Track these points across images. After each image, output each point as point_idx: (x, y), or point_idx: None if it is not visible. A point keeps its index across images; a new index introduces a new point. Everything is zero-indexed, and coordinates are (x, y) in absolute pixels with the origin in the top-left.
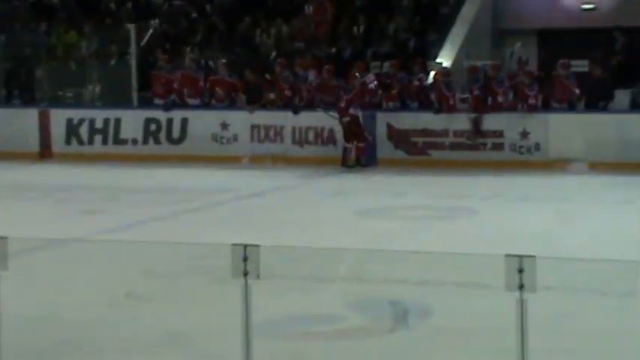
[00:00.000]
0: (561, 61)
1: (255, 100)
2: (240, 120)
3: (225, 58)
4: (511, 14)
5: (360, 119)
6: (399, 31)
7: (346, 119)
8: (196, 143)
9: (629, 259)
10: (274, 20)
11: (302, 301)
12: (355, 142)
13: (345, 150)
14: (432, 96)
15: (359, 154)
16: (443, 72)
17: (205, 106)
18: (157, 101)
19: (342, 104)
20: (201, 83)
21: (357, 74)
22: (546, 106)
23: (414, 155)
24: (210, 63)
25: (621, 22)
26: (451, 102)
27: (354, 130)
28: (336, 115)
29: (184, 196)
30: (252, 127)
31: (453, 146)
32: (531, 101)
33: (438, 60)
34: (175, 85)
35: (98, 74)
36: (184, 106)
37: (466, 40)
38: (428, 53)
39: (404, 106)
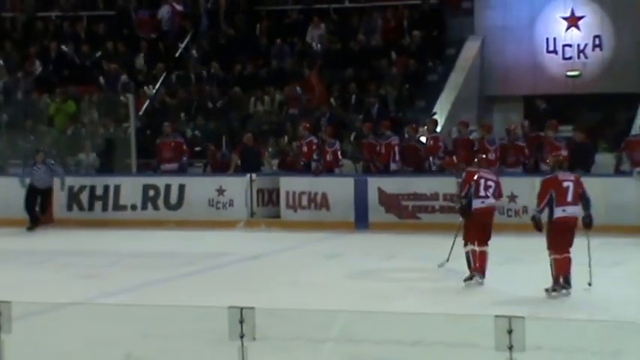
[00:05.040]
0: (549, 122)
1: (254, 165)
2: (235, 185)
3: (220, 125)
4: (498, 81)
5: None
6: (389, 99)
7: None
8: (193, 208)
9: (616, 319)
10: (267, 89)
11: None
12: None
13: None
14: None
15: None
16: (434, 121)
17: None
18: (166, 166)
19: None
20: None
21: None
22: (534, 170)
23: (405, 219)
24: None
25: (606, 89)
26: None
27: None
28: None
29: (182, 260)
30: (247, 192)
31: (443, 209)
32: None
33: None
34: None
35: (98, 142)
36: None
37: (454, 106)
38: (417, 120)
39: (388, 170)
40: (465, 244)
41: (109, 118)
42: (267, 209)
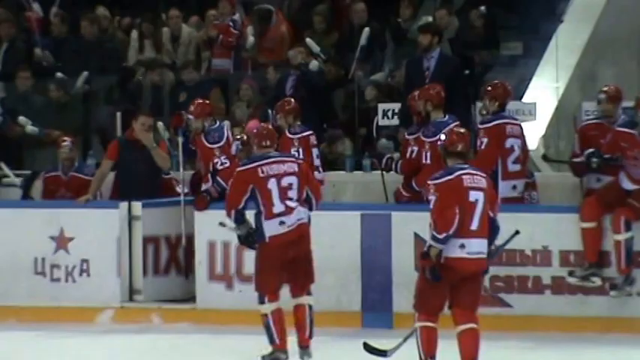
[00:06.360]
0: None
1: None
2: (95, 228)
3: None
4: None
5: None
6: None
7: None
8: (3, 281)
9: None
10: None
11: None
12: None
13: None
14: None
15: None
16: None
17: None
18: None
19: None
20: None
21: None
22: None
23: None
24: None
25: None
26: None
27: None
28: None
29: None
30: (119, 242)
31: (560, 287)
32: None
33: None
34: None
35: None
36: None
37: (587, 52)
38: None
39: None
40: (262, 302)
41: None
42: (166, 282)
